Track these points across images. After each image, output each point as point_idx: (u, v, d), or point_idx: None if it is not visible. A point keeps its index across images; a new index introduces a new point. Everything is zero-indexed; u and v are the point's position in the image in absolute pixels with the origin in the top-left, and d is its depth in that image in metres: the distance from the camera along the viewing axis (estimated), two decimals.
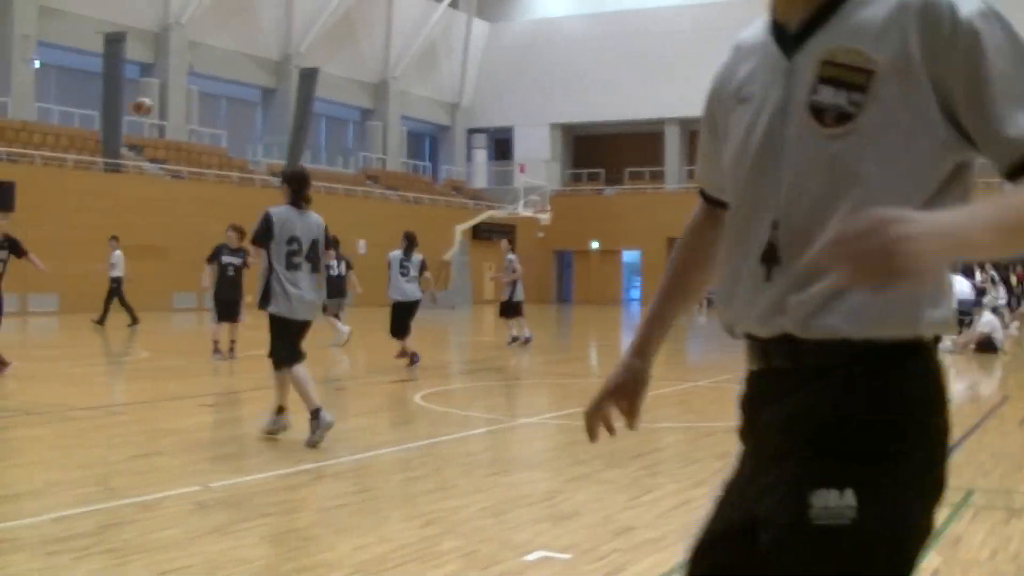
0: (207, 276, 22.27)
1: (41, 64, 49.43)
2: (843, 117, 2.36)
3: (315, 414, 11.17)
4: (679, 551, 7.10)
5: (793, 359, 2.47)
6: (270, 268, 11.61)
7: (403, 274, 20.75)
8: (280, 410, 11.73)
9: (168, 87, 52.72)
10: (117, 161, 44.69)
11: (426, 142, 76.67)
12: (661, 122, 69.12)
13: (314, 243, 11.74)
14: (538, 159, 69.85)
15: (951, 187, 2.39)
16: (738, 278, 2.56)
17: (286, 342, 11.66)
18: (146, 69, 53.07)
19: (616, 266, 69.08)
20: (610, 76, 68.14)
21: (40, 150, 43.50)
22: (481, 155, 75.31)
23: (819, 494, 2.30)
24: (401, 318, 20.74)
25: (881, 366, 2.38)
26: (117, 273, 31.21)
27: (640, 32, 67.82)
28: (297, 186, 11.82)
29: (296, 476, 9.74)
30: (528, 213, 58.70)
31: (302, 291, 11.64)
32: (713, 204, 2.91)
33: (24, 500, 8.54)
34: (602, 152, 73.61)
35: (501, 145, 76.68)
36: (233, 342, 21.84)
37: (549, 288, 70.44)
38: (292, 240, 11.58)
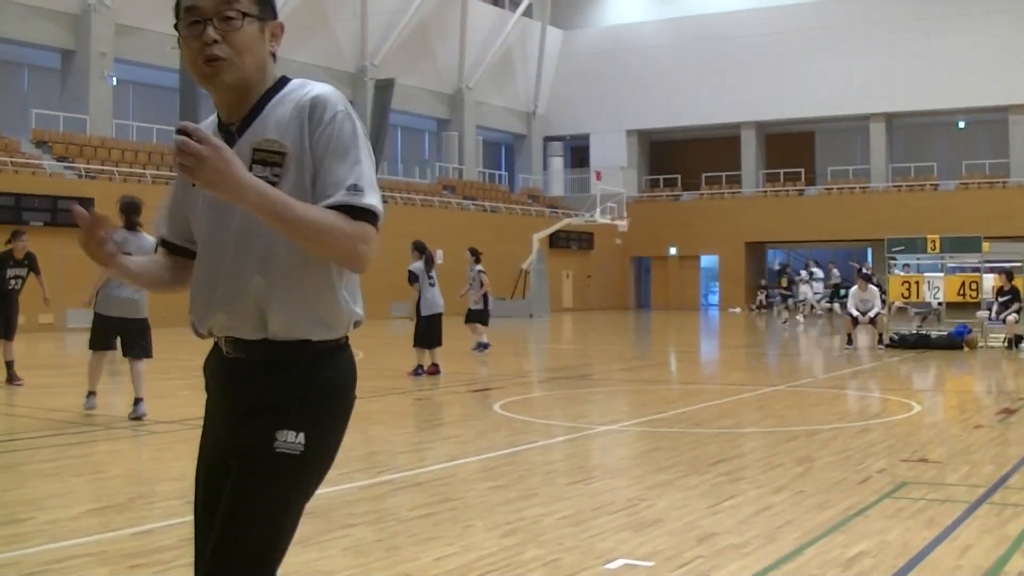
0: None
1: (118, 81, 49.89)
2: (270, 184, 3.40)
3: (91, 394, 15.11)
4: (762, 557, 7.05)
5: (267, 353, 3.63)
6: (105, 279, 14.68)
7: (431, 285, 20.80)
8: (136, 401, 14.63)
9: None
10: None
11: (502, 151, 76.77)
12: (737, 126, 68.81)
13: None
14: (614, 166, 69.72)
15: None
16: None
17: (103, 333, 14.95)
18: None
19: (694, 272, 68.87)
20: (685, 81, 67.91)
21: (118, 166, 43.90)
22: (557, 163, 75.28)
23: (281, 433, 3.55)
24: (437, 329, 20.72)
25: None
26: None
27: (715, 36, 67.52)
28: (128, 214, 14.89)
29: (378, 487, 9.77)
30: (605, 220, 58.59)
31: (126, 295, 14.71)
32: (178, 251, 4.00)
33: (107, 514, 8.60)
34: (678, 158, 73.36)
35: (577, 153, 76.65)
36: None
37: (627, 294, 70.34)
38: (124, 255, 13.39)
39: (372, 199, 3.46)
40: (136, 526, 8.11)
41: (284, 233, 3.38)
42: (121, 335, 15.01)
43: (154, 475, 10.76)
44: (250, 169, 3.36)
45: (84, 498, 9.35)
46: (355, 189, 3.43)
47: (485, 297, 25.94)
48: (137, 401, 14.63)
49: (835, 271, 51.95)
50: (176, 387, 18.36)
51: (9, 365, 19.01)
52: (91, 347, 15.07)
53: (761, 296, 58.19)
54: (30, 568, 6.89)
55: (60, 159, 43.08)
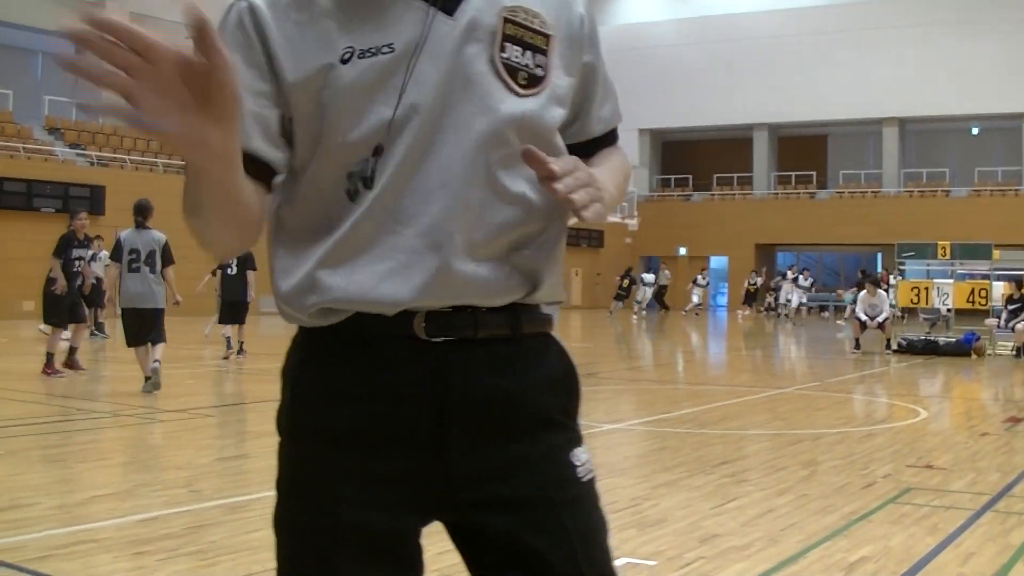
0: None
1: None
2: (533, 79, 2.34)
3: (147, 379, 15.69)
4: (765, 559, 7.06)
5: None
6: (120, 274, 16.12)
7: None
8: (146, 378, 15.75)
9: None
10: None
11: None
12: (750, 128, 68.65)
13: (151, 253, 15.98)
14: None
15: None
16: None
17: (133, 328, 15.99)
18: None
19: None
20: (698, 81, 67.70)
21: (130, 154, 43.95)
22: None
23: (575, 454, 2.43)
24: None
25: None
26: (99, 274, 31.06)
27: (729, 37, 67.39)
28: (136, 214, 16.22)
29: None
30: (616, 219, 58.55)
31: (138, 287, 15.87)
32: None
33: (113, 501, 8.62)
34: (690, 158, 73.19)
35: None
36: (241, 343, 22.30)
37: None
38: (132, 251, 15.98)
39: None
40: (141, 513, 8.13)
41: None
42: (146, 325, 16.02)
43: (159, 462, 10.79)
44: (501, 49, 2.30)
45: (89, 484, 9.37)
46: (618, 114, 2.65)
47: None
48: (148, 378, 15.84)
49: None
50: (182, 376, 18.39)
51: (72, 351, 18.79)
52: (128, 344, 16.21)
53: (770, 299, 58.23)
54: (35, 553, 6.91)
55: (72, 146, 43.15)
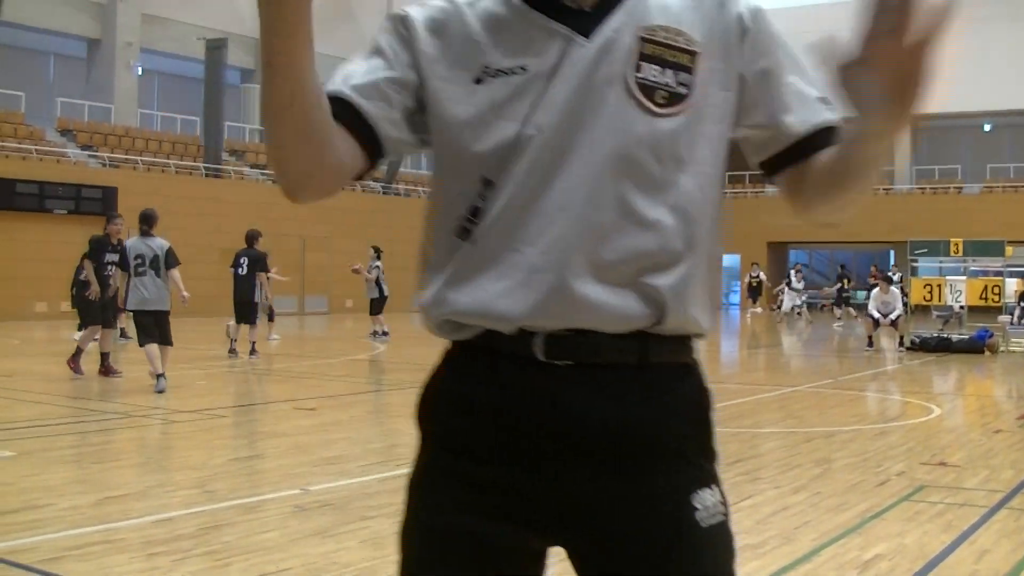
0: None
1: (143, 71, 50.04)
2: (675, 97, 2.26)
3: (157, 377, 16.26)
4: (779, 557, 7.04)
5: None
6: (128, 278, 16.88)
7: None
8: (157, 377, 16.28)
9: None
10: (218, 166, 45.03)
11: None
12: None
13: (155, 258, 16.83)
14: None
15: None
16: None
17: (142, 327, 16.80)
18: (247, 75, 53.53)
19: None
20: None
21: (142, 156, 44.00)
22: None
23: (699, 496, 2.29)
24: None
25: None
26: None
27: None
28: (142, 223, 17.28)
29: (396, 479, 9.75)
30: None
31: (145, 290, 16.74)
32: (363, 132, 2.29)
33: (127, 502, 8.63)
34: None
35: None
36: (253, 343, 22.69)
37: None
38: (138, 257, 16.83)
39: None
40: (155, 514, 8.14)
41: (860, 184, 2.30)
42: (155, 324, 16.74)
43: (173, 463, 10.80)
44: (637, 68, 2.25)
45: (103, 485, 9.38)
46: (828, 102, 2.43)
47: (378, 285, 29.55)
48: (159, 376, 16.35)
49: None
50: (194, 377, 18.41)
51: (104, 357, 18.52)
52: (142, 344, 16.72)
53: (782, 297, 58.22)
54: (48, 554, 6.92)
55: (84, 148, 43.24)
